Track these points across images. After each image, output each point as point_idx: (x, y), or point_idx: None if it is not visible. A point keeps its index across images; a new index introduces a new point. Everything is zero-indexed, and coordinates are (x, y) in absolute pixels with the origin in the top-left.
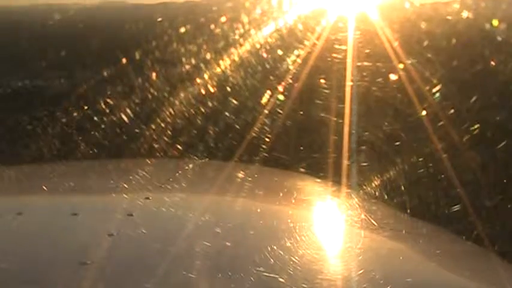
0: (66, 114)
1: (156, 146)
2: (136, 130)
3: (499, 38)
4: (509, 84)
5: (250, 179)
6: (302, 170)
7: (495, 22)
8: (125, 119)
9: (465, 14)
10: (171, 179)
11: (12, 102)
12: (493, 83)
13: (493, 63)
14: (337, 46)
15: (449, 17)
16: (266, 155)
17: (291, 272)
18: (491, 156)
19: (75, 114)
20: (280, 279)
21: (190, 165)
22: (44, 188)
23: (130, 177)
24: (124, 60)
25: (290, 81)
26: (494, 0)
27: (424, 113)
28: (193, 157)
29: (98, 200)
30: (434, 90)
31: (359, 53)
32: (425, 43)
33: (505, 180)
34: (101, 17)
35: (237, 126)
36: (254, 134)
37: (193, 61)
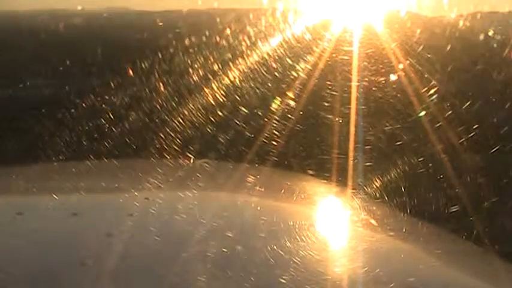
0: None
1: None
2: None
3: (495, 45)
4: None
5: (251, 179)
6: (309, 170)
7: (490, 32)
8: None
9: (474, 29)
10: (171, 180)
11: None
12: (491, 91)
13: (490, 72)
14: (343, 58)
15: (454, 30)
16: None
17: (293, 272)
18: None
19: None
20: (281, 279)
21: (191, 166)
22: (44, 188)
23: (131, 177)
24: (125, 68)
25: (299, 93)
26: (491, 14)
27: (423, 113)
28: (194, 158)
29: (98, 200)
30: (439, 99)
31: (365, 65)
32: (428, 55)
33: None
34: (103, 24)
35: (250, 133)
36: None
37: (197, 70)
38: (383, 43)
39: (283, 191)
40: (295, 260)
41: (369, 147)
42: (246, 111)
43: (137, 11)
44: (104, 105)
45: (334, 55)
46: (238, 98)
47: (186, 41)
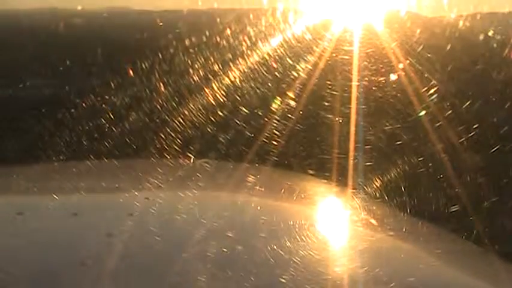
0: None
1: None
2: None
3: (495, 45)
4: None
5: (252, 179)
6: (309, 170)
7: (490, 33)
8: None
9: (478, 32)
10: (171, 179)
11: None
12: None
13: (490, 72)
14: (343, 58)
15: (454, 30)
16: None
17: (293, 271)
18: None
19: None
20: (282, 279)
21: (191, 166)
22: (44, 188)
23: (131, 177)
24: (125, 68)
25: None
26: (491, 14)
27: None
28: (194, 158)
29: (98, 200)
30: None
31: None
32: (428, 54)
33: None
34: (103, 23)
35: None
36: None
37: (197, 70)
38: (383, 43)
39: (283, 190)
40: (295, 260)
41: (369, 146)
42: (246, 111)
43: (138, 10)
44: (104, 105)
45: (334, 55)
46: (238, 98)
47: (186, 41)
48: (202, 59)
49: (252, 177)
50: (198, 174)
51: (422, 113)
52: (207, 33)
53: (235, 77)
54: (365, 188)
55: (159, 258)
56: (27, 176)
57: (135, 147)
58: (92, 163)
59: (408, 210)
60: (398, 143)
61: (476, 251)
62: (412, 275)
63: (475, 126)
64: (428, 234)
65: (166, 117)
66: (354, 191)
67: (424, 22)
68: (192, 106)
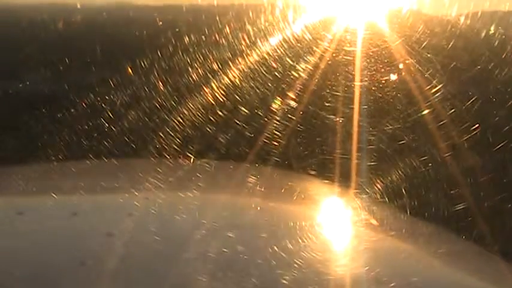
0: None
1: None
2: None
3: (496, 43)
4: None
5: (252, 179)
6: (310, 170)
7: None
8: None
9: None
10: (171, 179)
11: None
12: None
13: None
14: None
15: (455, 29)
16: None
17: (295, 272)
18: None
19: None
20: (283, 279)
21: (191, 166)
22: (44, 188)
23: (131, 177)
24: (123, 64)
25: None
26: (492, 12)
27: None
28: (194, 158)
29: (98, 200)
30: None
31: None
32: (431, 53)
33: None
34: (103, 18)
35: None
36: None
37: (196, 68)
38: (385, 41)
39: (284, 191)
40: (296, 260)
41: (370, 147)
42: (246, 110)
43: (138, 5)
44: (103, 103)
45: (334, 54)
46: (238, 96)
47: (185, 38)
48: (202, 56)
49: (253, 177)
50: (198, 174)
51: (425, 112)
52: (207, 29)
53: (235, 76)
54: (367, 188)
55: (159, 258)
56: (27, 176)
57: (134, 146)
58: (92, 163)
59: (409, 211)
60: (400, 143)
61: (477, 251)
62: (413, 275)
63: (477, 126)
64: (430, 235)
65: (166, 116)
66: (356, 191)
67: (426, 20)
68: (191, 105)
